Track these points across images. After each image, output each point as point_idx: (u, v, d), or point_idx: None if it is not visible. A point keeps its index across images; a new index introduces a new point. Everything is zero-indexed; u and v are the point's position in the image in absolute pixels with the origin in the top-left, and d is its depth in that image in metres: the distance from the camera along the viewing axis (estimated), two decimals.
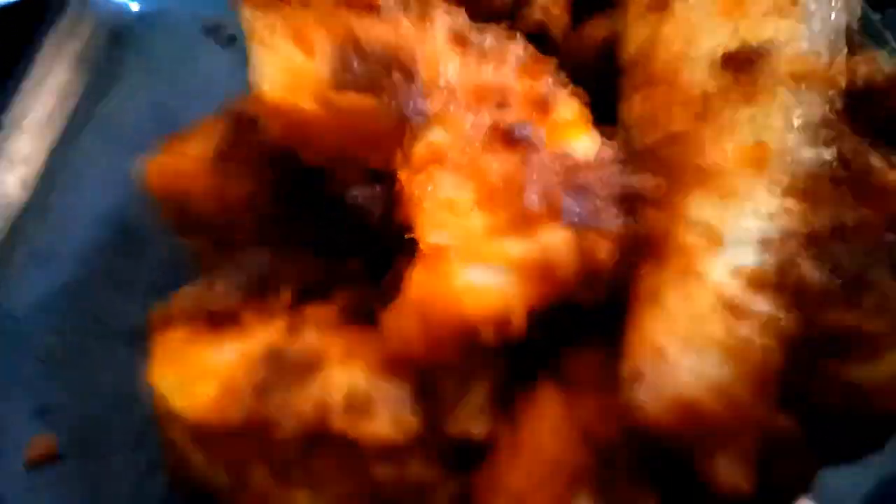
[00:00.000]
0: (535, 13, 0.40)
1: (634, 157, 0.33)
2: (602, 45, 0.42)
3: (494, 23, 0.37)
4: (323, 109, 0.33)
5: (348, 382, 0.30)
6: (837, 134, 0.35)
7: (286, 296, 0.35)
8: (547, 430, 0.30)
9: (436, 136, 0.32)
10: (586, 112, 0.34)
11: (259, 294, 0.35)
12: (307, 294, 0.36)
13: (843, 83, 0.35)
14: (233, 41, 0.59)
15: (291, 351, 0.31)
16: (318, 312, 0.34)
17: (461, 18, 0.35)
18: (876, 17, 0.48)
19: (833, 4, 0.35)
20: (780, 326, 0.29)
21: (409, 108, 0.31)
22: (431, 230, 0.29)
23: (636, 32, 0.37)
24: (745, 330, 0.28)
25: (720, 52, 0.33)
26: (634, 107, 0.36)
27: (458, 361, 0.30)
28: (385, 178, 0.33)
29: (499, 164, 0.30)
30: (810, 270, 0.31)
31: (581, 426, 0.30)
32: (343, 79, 0.33)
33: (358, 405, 0.30)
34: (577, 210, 0.29)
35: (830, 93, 0.35)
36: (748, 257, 0.29)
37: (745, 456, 0.28)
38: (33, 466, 0.40)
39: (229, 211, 0.38)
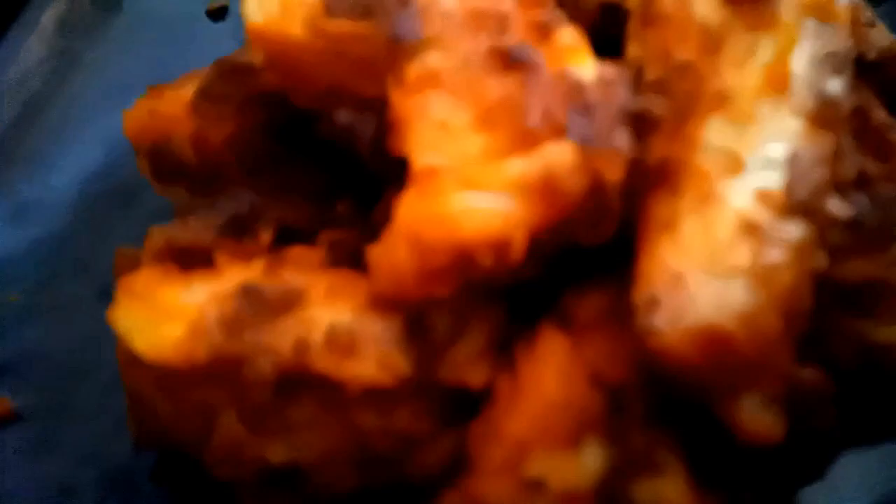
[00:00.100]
0: None
1: (643, 88, 0.31)
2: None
3: None
4: (314, 37, 0.31)
5: (331, 319, 0.28)
6: (856, 83, 0.34)
7: (266, 237, 0.32)
8: (551, 373, 0.27)
9: (430, 58, 0.29)
10: (587, 42, 0.31)
11: (236, 235, 0.33)
12: (289, 237, 0.34)
13: (857, 32, 0.34)
14: (224, 13, 0.59)
15: (268, 287, 0.29)
16: (301, 254, 0.31)
17: None
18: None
19: None
20: (810, 255, 0.26)
21: (403, 30, 0.29)
22: (424, 151, 0.27)
23: None
24: (774, 255, 0.25)
25: None
26: (643, 43, 0.33)
27: (452, 297, 0.27)
28: (377, 105, 0.31)
29: (497, 85, 0.28)
30: (837, 205, 0.29)
31: (588, 368, 0.27)
32: (335, 5, 0.31)
33: (341, 343, 0.27)
34: (583, 128, 0.26)
35: (847, 34, 0.33)
36: (773, 180, 0.27)
37: (775, 398, 0.26)
38: None
39: (210, 154, 0.36)
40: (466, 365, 0.29)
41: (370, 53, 0.30)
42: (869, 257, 0.30)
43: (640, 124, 0.28)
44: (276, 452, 0.28)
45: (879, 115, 0.35)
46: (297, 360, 0.27)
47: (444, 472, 0.29)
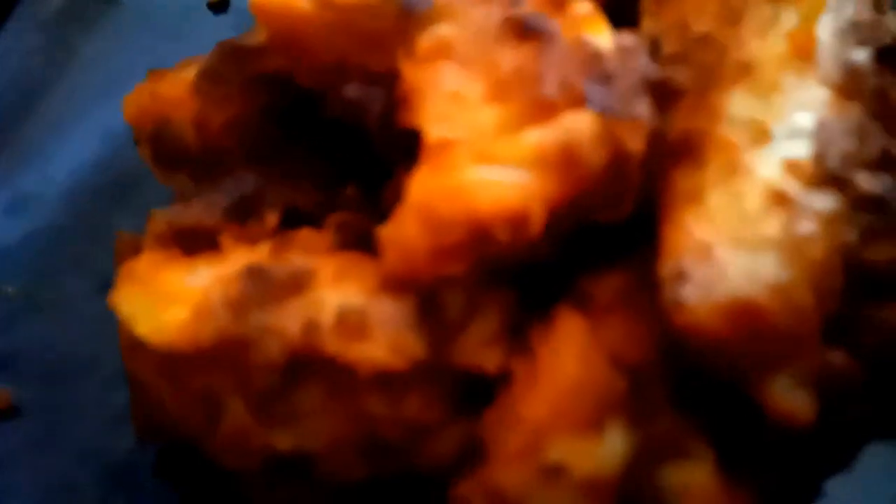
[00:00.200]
0: None
1: (661, 62, 0.30)
2: None
3: None
4: (321, 10, 0.30)
5: (340, 300, 0.26)
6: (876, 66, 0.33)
7: (272, 219, 0.31)
8: (569, 355, 0.26)
9: (442, 29, 0.28)
10: (602, 12, 0.30)
11: (241, 218, 0.32)
12: (295, 220, 0.33)
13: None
14: (225, 5, 0.58)
15: (275, 268, 0.27)
16: (308, 237, 0.30)
17: None
18: None
19: None
20: (841, 227, 0.25)
21: (413, 0, 0.29)
22: (437, 123, 0.26)
23: None
24: (805, 227, 0.24)
25: None
26: (659, 16, 0.33)
27: (466, 277, 0.26)
28: (387, 80, 0.30)
29: (511, 55, 0.27)
30: (867, 179, 0.28)
31: (609, 350, 0.25)
32: None
33: (351, 324, 0.26)
34: (602, 97, 0.25)
35: (870, 6, 0.32)
36: (801, 150, 0.26)
37: (807, 379, 0.24)
38: None
39: (213, 137, 0.35)
40: (480, 348, 0.27)
41: (379, 25, 0.29)
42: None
43: (661, 95, 0.27)
44: (284, 440, 0.26)
45: None
46: (306, 342, 0.26)
47: (456, 462, 0.28)
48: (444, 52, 0.27)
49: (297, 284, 0.27)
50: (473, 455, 0.28)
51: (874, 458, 0.33)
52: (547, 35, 0.27)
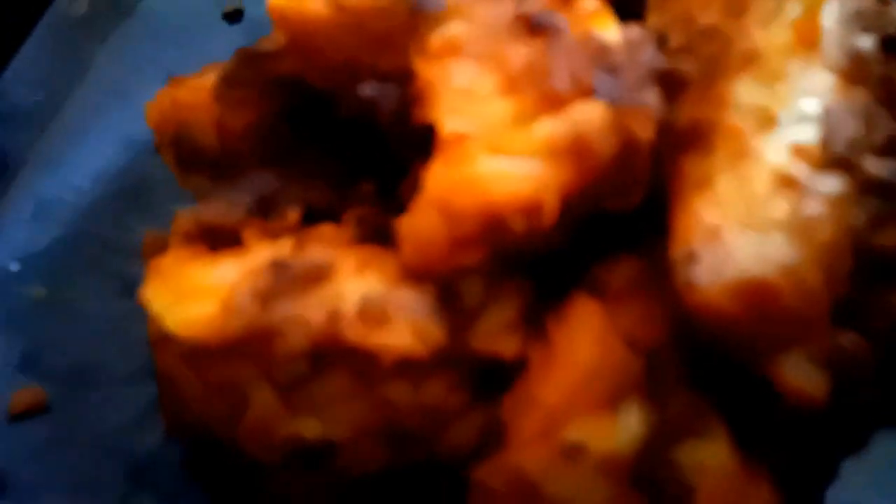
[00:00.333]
0: None
1: (667, 54, 0.31)
2: None
3: None
4: (335, 12, 0.31)
5: (362, 290, 0.27)
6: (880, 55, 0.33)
7: (293, 216, 0.32)
8: (585, 339, 0.26)
9: (453, 27, 0.29)
10: (609, 8, 0.31)
11: (263, 215, 0.33)
12: (314, 218, 0.34)
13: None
14: (239, 15, 0.59)
15: (298, 261, 0.28)
16: (328, 231, 0.31)
17: None
18: None
19: None
20: (849, 210, 0.26)
21: (425, 1, 0.29)
22: (451, 118, 0.27)
23: None
24: (813, 208, 0.25)
25: None
26: (664, 10, 0.33)
27: (483, 265, 0.27)
28: (399, 79, 0.31)
29: (521, 51, 0.28)
30: (875, 163, 0.29)
31: (624, 333, 0.26)
32: None
33: (373, 313, 0.26)
34: (611, 88, 0.26)
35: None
36: (808, 134, 0.26)
37: (818, 358, 0.25)
38: (18, 420, 0.37)
39: (233, 140, 0.36)
40: (498, 335, 0.28)
41: (392, 25, 0.30)
42: None
43: (668, 86, 0.28)
44: (309, 428, 0.27)
45: None
46: (330, 332, 0.26)
47: (475, 449, 0.29)
48: (455, 49, 0.28)
49: (320, 276, 0.28)
50: (493, 441, 0.29)
51: (889, 444, 0.34)
52: (555, 30, 0.28)
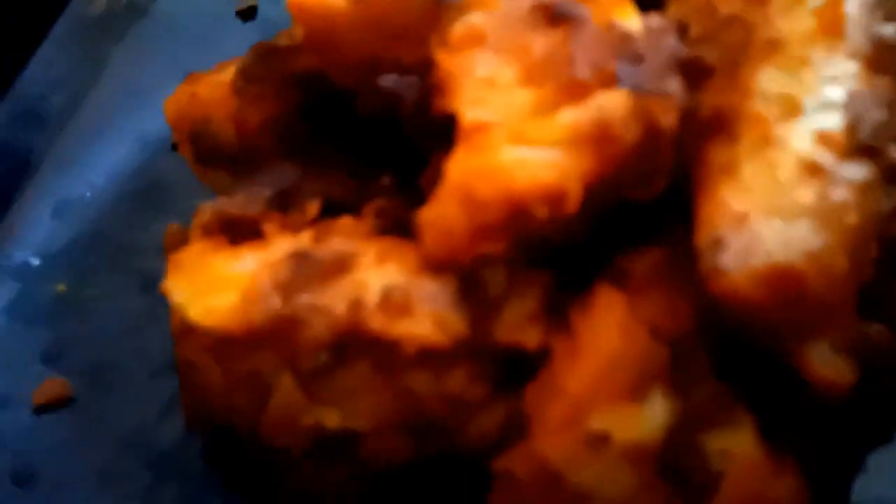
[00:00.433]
0: None
1: (690, 42, 0.31)
2: None
3: None
4: (353, 4, 0.31)
5: (384, 281, 0.27)
6: None
7: (313, 209, 0.32)
8: (609, 328, 0.26)
9: (474, 17, 0.29)
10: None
11: (283, 208, 0.33)
12: (335, 210, 0.34)
13: None
14: (253, 12, 0.60)
15: (319, 251, 0.28)
16: (348, 224, 0.31)
17: None
18: None
19: None
20: (874, 197, 0.25)
21: None
22: (472, 107, 0.27)
23: None
24: (839, 195, 0.24)
25: None
26: (685, 0, 0.33)
27: (505, 254, 0.27)
28: (420, 71, 0.31)
29: (542, 40, 0.27)
30: None
31: (649, 322, 0.26)
32: None
33: (395, 303, 0.26)
34: (634, 76, 0.26)
35: None
36: (832, 122, 0.26)
37: (845, 345, 0.25)
38: (42, 411, 0.37)
39: (251, 135, 0.36)
40: (520, 326, 0.28)
41: (412, 17, 0.30)
42: None
43: (691, 74, 0.28)
44: (332, 418, 0.27)
45: None
46: (352, 321, 0.26)
47: (498, 440, 0.29)
48: (477, 39, 0.28)
49: (341, 266, 0.28)
50: (516, 432, 0.29)
51: None
52: (577, 20, 0.28)
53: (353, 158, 0.36)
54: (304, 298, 0.27)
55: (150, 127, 0.48)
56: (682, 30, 0.31)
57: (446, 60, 0.28)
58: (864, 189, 0.25)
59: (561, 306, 0.29)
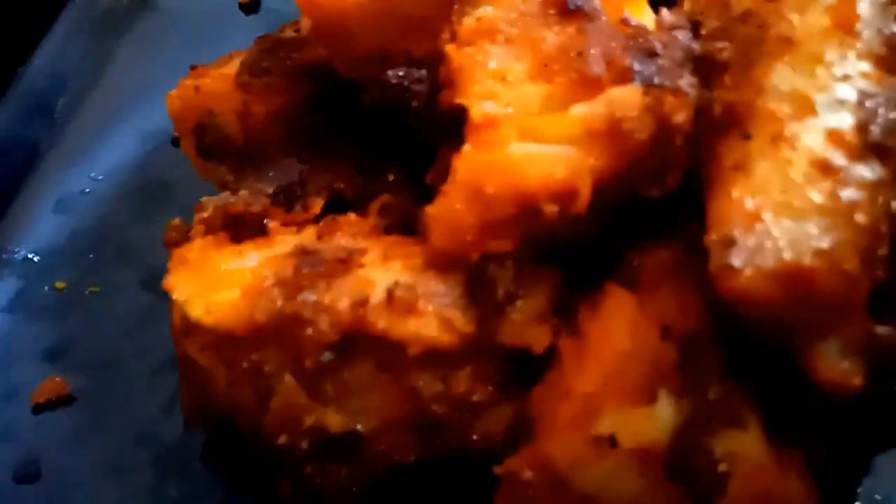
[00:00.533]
0: None
1: (702, 39, 0.31)
2: None
3: None
4: None
5: (389, 278, 0.27)
6: None
7: (317, 205, 0.32)
8: (619, 328, 0.26)
9: (485, 11, 0.28)
10: None
11: (287, 204, 0.32)
12: (340, 205, 0.33)
13: None
14: (257, 5, 0.59)
15: (324, 248, 0.28)
16: (353, 220, 0.31)
17: None
18: None
19: None
20: (886, 196, 0.25)
21: None
22: (482, 101, 0.26)
23: None
24: (850, 194, 0.24)
25: None
26: None
27: (514, 253, 0.27)
28: (430, 64, 0.30)
29: (555, 34, 0.27)
30: None
31: (659, 321, 0.26)
32: None
33: (401, 301, 0.26)
34: (648, 72, 0.25)
35: None
36: (844, 121, 0.26)
37: (855, 346, 0.24)
38: (42, 410, 0.37)
39: (256, 128, 0.35)
40: (528, 327, 0.27)
41: (423, 10, 0.29)
42: None
43: (705, 70, 0.27)
44: (334, 417, 0.27)
45: None
46: (356, 319, 0.26)
47: (505, 441, 0.29)
48: (488, 33, 0.28)
49: (346, 264, 0.28)
50: (523, 433, 0.28)
51: None
52: (590, 13, 0.27)
53: (360, 152, 0.36)
54: (308, 296, 0.26)
55: (154, 120, 0.47)
56: (695, 25, 0.31)
57: (456, 53, 0.28)
58: (875, 188, 0.25)
59: (570, 306, 0.29)
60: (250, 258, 0.29)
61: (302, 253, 0.28)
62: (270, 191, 0.32)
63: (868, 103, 0.27)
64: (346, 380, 0.27)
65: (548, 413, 0.27)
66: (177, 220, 0.33)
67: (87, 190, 0.46)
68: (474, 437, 0.28)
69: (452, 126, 0.29)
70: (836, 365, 0.24)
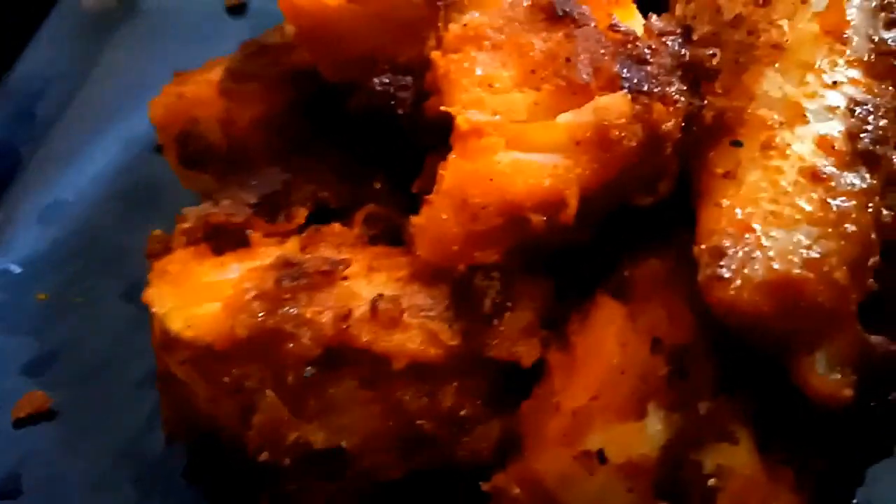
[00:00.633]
0: None
1: (693, 45, 0.30)
2: None
3: None
4: (349, 2, 0.30)
5: (373, 291, 0.26)
6: None
7: (300, 215, 0.31)
8: (608, 341, 0.25)
9: (473, 17, 0.28)
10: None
11: (270, 214, 0.32)
12: (324, 215, 0.33)
13: None
14: (243, 8, 0.59)
15: (307, 260, 0.27)
16: (337, 231, 0.30)
17: None
18: None
19: None
20: (875, 204, 0.25)
21: None
22: (469, 109, 0.26)
23: None
24: (839, 204, 0.24)
25: None
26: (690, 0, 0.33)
27: (501, 264, 0.26)
28: (416, 70, 0.30)
29: (543, 40, 0.27)
30: None
31: (649, 334, 0.25)
32: None
33: (385, 314, 0.25)
34: (637, 79, 0.25)
35: None
36: (834, 129, 0.25)
37: (846, 357, 0.24)
38: (23, 424, 0.36)
39: (240, 135, 0.35)
40: (516, 340, 0.27)
41: (409, 15, 0.29)
42: None
43: (695, 77, 0.27)
44: (318, 434, 0.26)
45: None
46: (340, 333, 0.25)
47: (494, 456, 0.28)
48: (475, 39, 0.27)
49: (329, 276, 0.27)
50: (511, 449, 0.28)
51: None
52: (578, 19, 0.27)
53: (346, 159, 0.35)
54: (290, 310, 0.26)
55: (137, 127, 0.46)
56: (686, 31, 0.30)
57: (442, 60, 0.27)
58: (865, 197, 0.25)
59: (560, 317, 0.28)
60: (232, 270, 0.29)
61: (284, 265, 0.27)
62: (253, 200, 0.32)
63: (858, 111, 0.27)
64: (329, 395, 0.27)
65: (536, 428, 0.26)
66: (158, 231, 0.32)
67: (71, 199, 0.45)
68: (461, 452, 0.28)
69: (439, 133, 0.29)
70: (827, 377, 0.24)
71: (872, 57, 0.29)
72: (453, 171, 0.25)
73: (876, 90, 0.28)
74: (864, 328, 0.27)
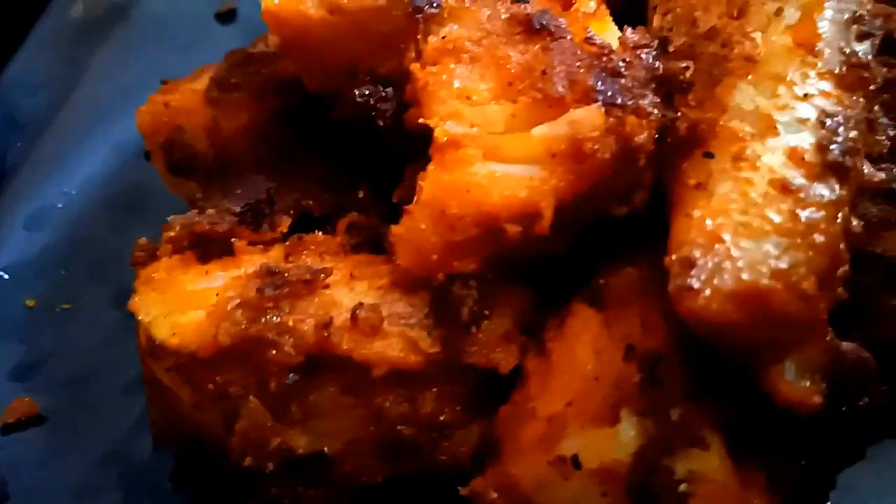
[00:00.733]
0: None
1: (669, 55, 0.31)
2: None
3: None
4: (331, 15, 0.30)
5: (354, 299, 0.27)
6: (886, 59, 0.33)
7: (284, 223, 0.32)
8: (583, 349, 0.26)
9: (451, 30, 0.28)
10: (608, 10, 0.31)
11: (254, 222, 0.32)
12: (307, 224, 0.33)
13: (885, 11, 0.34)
14: (232, 15, 0.59)
15: (289, 268, 0.28)
16: (320, 239, 0.31)
17: None
18: None
19: None
20: (844, 215, 0.25)
21: (422, 1, 0.29)
22: (447, 121, 0.26)
23: None
24: (808, 215, 0.24)
25: None
26: (667, 12, 0.33)
27: (479, 273, 0.27)
28: (396, 82, 0.30)
29: (520, 52, 0.27)
30: (870, 169, 0.28)
31: (622, 342, 0.26)
32: None
33: (366, 322, 0.26)
34: (611, 92, 0.26)
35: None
36: (804, 141, 0.26)
37: (815, 365, 0.24)
38: (11, 430, 0.36)
39: (226, 143, 0.35)
40: (494, 347, 0.27)
41: (389, 27, 0.29)
42: None
43: (669, 89, 0.28)
44: (300, 439, 0.27)
45: None
46: (321, 341, 0.26)
47: (473, 461, 0.29)
48: (453, 51, 0.28)
49: (311, 285, 0.28)
50: (489, 454, 0.28)
51: (892, 451, 0.33)
52: (555, 32, 0.27)
53: (329, 168, 0.36)
54: (273, 318, 0.26)
55: (125, 133, 0.46)
56: (662, 43, 0.31)
57: (421, 72, 0.28)
58: (834, 208, 0.25)
59: (537, 324, 0.29)
60: (216, 279, 0.29)
61: (266, 274, 0.28)
62: (238, 209, 0.32)
63: (829, 122, 0.27)
64: (311, 401, 0.27)
65: (513, 433, 0.27)
66: (144, 240, 0.33)
67: (59, 205, 0.45)
68: (441, 457, 0.28)
69: (419, 144, 0.29)
70: (796, 384, 0.24)
71: (844, 69, 0.29)
72: (432, 183, 0.26)
73: (846, 102, 0.28)
74: (838, 335, 0.28)
